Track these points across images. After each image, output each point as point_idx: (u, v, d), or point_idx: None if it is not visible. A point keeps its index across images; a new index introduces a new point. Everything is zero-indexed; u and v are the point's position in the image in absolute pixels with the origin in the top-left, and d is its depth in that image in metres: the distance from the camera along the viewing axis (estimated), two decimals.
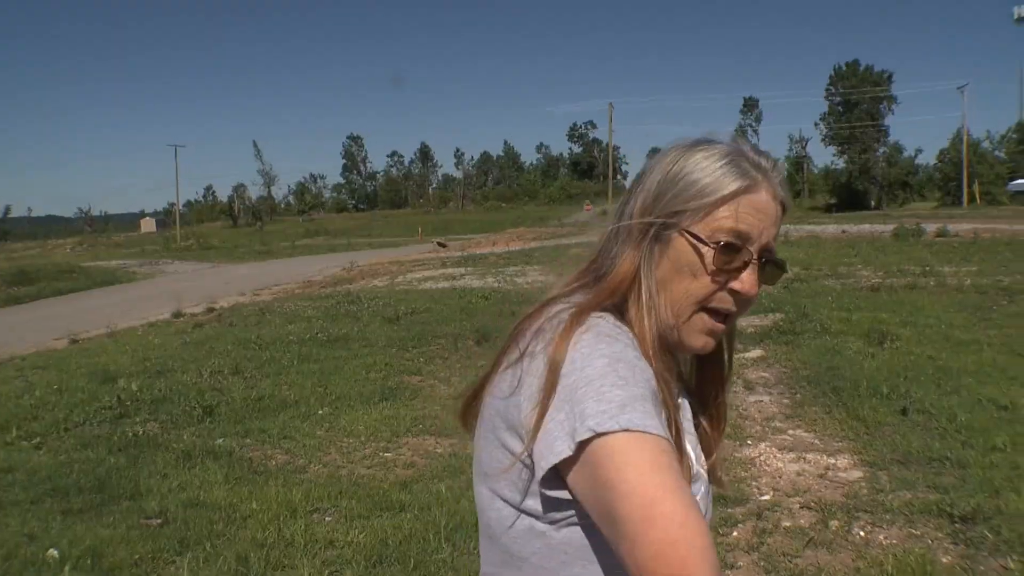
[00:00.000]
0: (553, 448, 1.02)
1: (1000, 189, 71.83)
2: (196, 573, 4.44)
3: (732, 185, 1.16)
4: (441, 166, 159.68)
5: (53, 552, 4.79)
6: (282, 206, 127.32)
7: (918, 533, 4.63)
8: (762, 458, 5.96)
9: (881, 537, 4.61)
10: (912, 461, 5.73)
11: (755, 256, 1.17)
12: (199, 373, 9.66)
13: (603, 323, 1.12)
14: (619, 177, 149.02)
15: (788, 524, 4.80)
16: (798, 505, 5.08)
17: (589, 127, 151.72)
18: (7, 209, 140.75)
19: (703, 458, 1.27)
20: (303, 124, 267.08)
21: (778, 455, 6.03)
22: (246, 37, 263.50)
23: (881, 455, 5.88)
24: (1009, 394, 7.17)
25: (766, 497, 5.20)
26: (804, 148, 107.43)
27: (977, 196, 68.23)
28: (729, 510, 4.96)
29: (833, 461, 5.85)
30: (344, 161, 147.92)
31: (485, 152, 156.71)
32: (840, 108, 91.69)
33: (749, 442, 6.33)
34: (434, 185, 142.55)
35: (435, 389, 8.71)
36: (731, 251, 1.15)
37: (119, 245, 66.73)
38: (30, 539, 5.08)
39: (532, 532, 1.14)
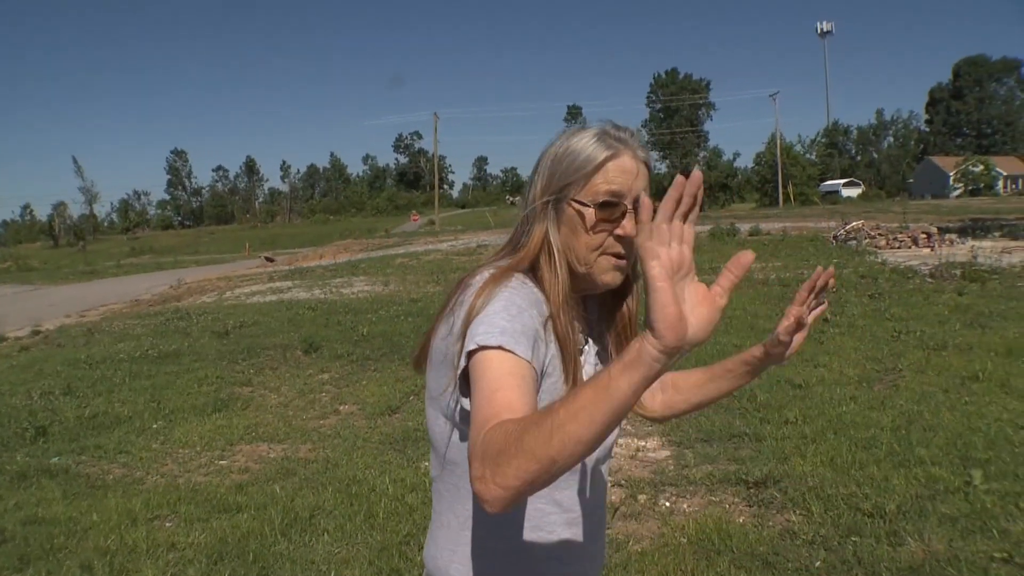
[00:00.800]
0: (459, 364, 1.35)
1: (813, 190, 76.13)
2: None
3: (601, 156, 1.49)
4: (267, 180, 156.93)
5: None
6: (105, 224, 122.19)
7: (717, 500, 5.16)
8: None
9: (684, 506, 5.11)
10: (715, 439, 6.33)
11: (629, 206, 1.49)
12: (29, 395, 9.41)
13: (512, 280, 1.46)
14: (446, 187, 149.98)
15: None
16: (610, 484, 5.54)
17: (415, 137, 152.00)
18: None
19: None
20: (125, 138, 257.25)
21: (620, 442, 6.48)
22: (62, 44, 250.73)
23: (687, 435, 6.45)
24: (803, 374, 7.97)
25: None
26: None
27: (792, 197, 71.92)
28: None
29: (644, 443, 6.36)
30: (168, 176, 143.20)
31: (312, 164, 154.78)
32: (661, 115, 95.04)
33: None
34: (261, 199, 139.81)
35: (266, 398, 8.81)
36: (609, 207, 1.48)
37: None
38: None
39: (460, 442, 1.50)
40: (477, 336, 1.33)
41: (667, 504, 5.15)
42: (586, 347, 1.62)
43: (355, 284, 20.15)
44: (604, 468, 1.72)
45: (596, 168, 1.50)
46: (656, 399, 1.88)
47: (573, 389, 1.12)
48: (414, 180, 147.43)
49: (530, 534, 1.56)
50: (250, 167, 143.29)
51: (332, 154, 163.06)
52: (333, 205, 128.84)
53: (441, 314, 1.54)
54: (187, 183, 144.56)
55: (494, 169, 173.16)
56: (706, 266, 18.32)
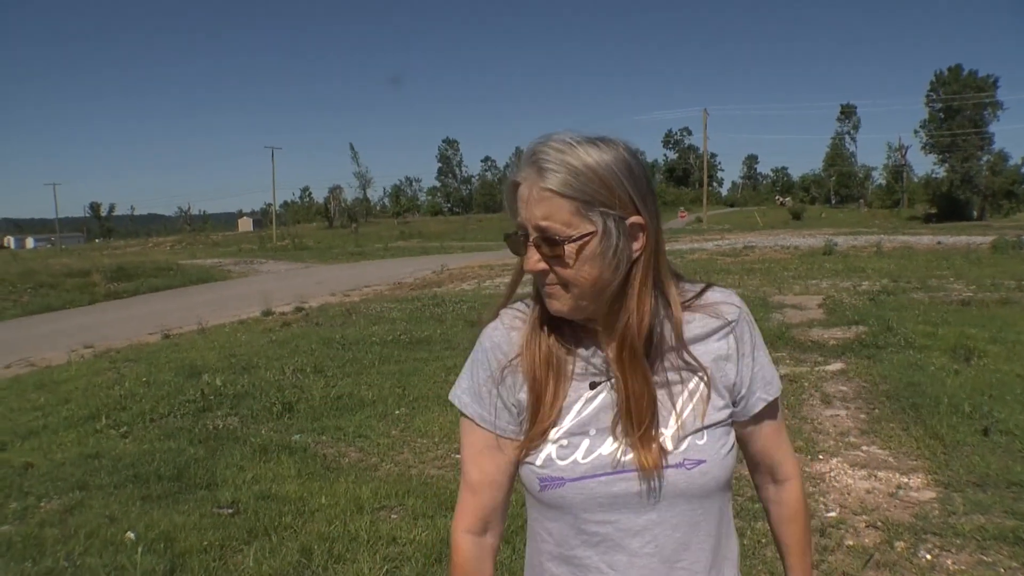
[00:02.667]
0: None
1: None
2: (260, 563, 4.63)
3: (506, 193, 1.44)
4: None
5: (130, 535, 5.07)
6: (377, 208, 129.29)
7: (989, 560, 4.50)
8: (832, 474, 5.88)
9: (948, 562, 4.50)
10: (990, 484, 5.55)
11: (530, 236, 1.38)
12: (282, 371, 9.98)
13: (496, 320, 1.57)
14: (714, 184, 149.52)
15: (851, 543, 4.75)
16: (864, 524, 5.01)
17: (684, 133, 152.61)
18: (111, 207, 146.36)
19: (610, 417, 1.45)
20: (399, 128, 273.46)
21: (849, 471, 5.93)
22: (342, 42, 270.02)
23: (957, 476, 5.72)
24: None
25: (832, 514, 5.15)
26: (903, 156, 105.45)
27: None
28: None
29: (906, 480, 5.74)
30: (439, 164, 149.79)
31: None
32: (941, 115, 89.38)
33: (821, 457, 6.24)
34: None
35: None
36: (513, 240, 1.43)
37: (217, 244, 68.49)
38: (111, 521, 5.38)
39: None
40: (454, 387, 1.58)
41: (928, 557, 4.57)
42: (588, 380, 1.47)
43: None
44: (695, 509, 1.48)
45: (509, 205, 1.44)
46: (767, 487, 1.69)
47: None
48: (683, 176, 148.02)
49: None
50: (519, 157, 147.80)
51: None
52: None
53: None
54: (457, 172, 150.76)
55: (764, 168, 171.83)
56: (987, 281, 16.86)
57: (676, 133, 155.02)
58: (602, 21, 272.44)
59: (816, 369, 9.05)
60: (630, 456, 1.40)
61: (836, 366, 9.12)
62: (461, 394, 1.53)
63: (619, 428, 1.42)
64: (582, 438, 1.42)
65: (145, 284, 26.52)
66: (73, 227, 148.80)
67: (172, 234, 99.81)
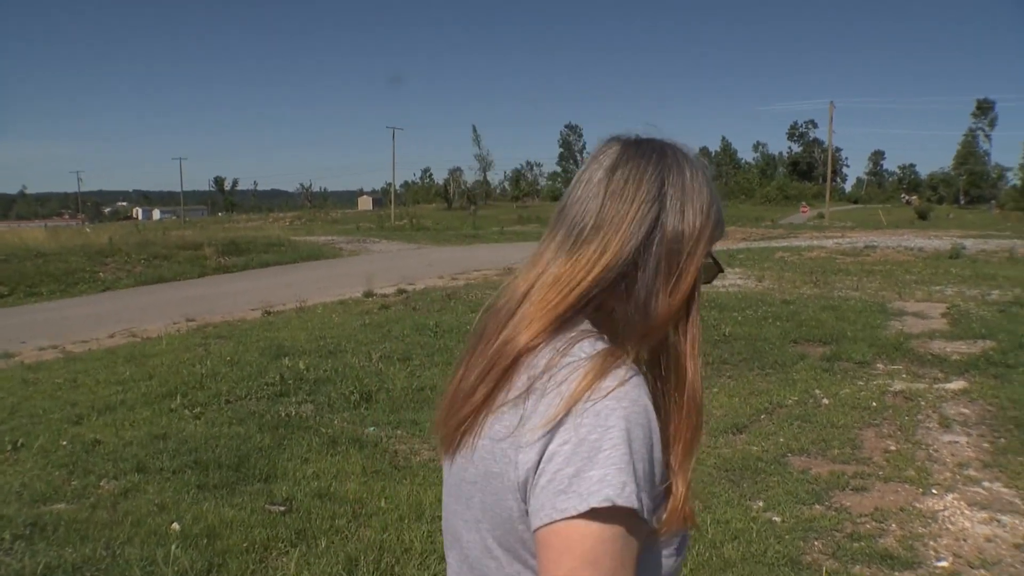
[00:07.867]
0: (556, 504, 0.98)
1: None
2: (301, 569, 4.37)
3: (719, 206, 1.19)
4: None
5: (176, 526, 4.88)
6: (497, 192, 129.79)
7: None
8: (946, 513, 5.22)
9: None
10: None
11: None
12: (368, 356, 9.79)
13: (633, 379, 1.06)
14: (838, 180, 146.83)
15: None
16: None
17: (809, 126, 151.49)
18: (235, 182, 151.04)
19: None
20: (521, 112, 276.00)
21: (967, 512, 5.24)
22: (466, 27, 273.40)
23: None
24: None
25: (943, 563, 4.53)
26: None
27: None
28: (896, 574, 4.41)
29: None
30: (561, 150, 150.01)
31: (703, 147, 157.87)
32: None
33: (934, 491, 5.57)
34: None
35: None
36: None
37: (335, 221, 69.40)
38: (160, 509, 5.24)
39: None
40: (609, 486, 0.97)
41: None
42: None
43: (728, 277, 19.28)
44: None
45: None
46: None
47: None
48: (806, 170, 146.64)
49: None
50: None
51: (723, 138, 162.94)
52: (723, 190, 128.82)
53: (493, 396, 1.15)
54: (579, 157, 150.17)
55: (890, 165, 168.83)
56: None
57: (801, 126, 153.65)
58: (727, 7, 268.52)
59: (935, 387, 8.34)
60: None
61: (958, 384, 8.39)
62: (634, 489, 0.98)
63: None
64: None
65: (255, 259, 26.83)
66: (199, 200, 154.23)
67: (293, 210, 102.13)
